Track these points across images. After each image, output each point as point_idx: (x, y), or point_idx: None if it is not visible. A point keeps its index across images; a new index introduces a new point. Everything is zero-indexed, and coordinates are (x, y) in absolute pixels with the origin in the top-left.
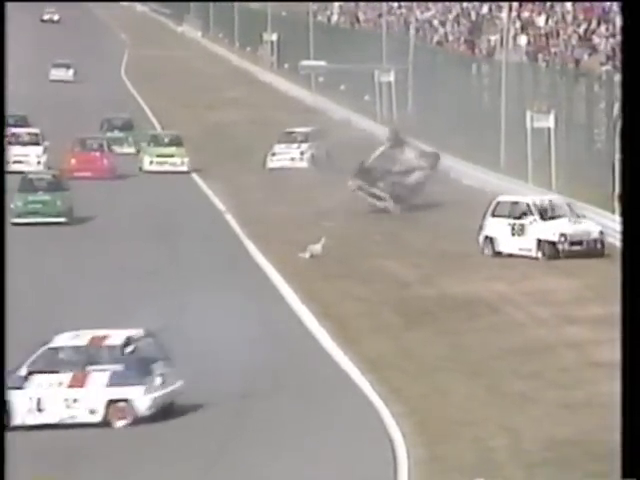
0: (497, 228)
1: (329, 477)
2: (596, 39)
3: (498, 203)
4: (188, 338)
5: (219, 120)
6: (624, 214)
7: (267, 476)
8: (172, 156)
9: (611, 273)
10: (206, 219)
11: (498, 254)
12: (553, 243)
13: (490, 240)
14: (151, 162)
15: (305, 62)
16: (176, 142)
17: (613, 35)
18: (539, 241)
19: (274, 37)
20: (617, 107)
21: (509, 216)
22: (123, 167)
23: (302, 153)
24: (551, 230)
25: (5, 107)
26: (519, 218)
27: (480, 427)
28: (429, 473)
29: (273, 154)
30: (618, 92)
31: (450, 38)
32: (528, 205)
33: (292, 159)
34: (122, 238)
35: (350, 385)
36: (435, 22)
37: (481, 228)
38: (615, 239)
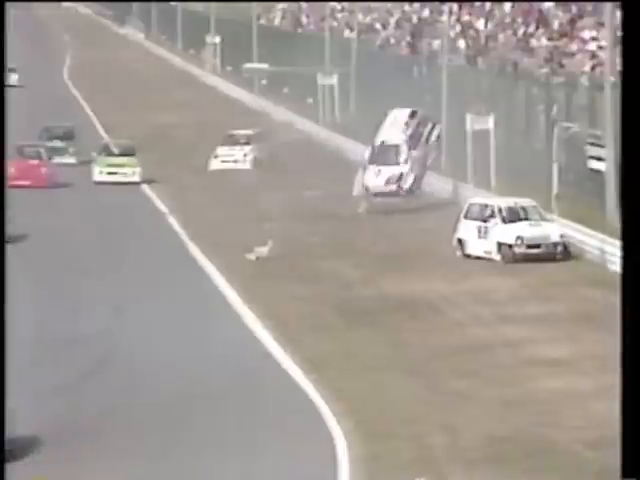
0: (467, 230)
1: (270, 475)
2: (534, 42)
3: (470, 205)
4: (129, 338)
5: (161, 122)
6: (624, 213)
7: (208, 474)
8: (123, 166)
9: (550, 273)
10: (147, 221)
11: (467, 256)
12: (510, 246)
13: (460, 242)
14: (100, 172)
15: (248, 65)
16: (128, 152)
17: (551, 38)
18: (499, 244)
19: (217, 40)
20: (555, 109)
21: (478, 219)
22: (66, 177)
23: (245, 155)
24: (509, 233)
25: (5, 105)
26: (485, 221)
27: (419, 425)
28: (369, 471)
29: (216, 156)
30: (556, 94)
31: (392, 41)
32: (493, 208)
33: (235, 161)
34: (65, 240)
35: (291, 385)
36: (377, 25)
37: (455, 230)
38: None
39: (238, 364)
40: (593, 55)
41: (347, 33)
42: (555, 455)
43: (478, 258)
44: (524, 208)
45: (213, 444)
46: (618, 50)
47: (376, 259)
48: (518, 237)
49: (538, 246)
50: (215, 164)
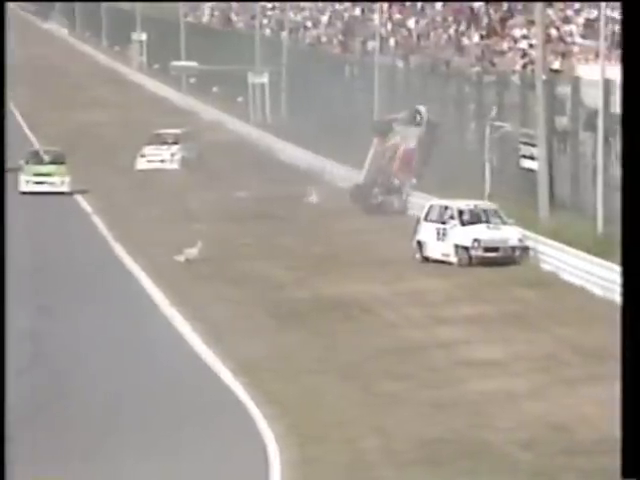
0: (426, 232)
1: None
2: (466, 40)
3: (431, 207)
4: (53, 339)
5: (86, 120)
6: (624, 213)
7: (136, 476)
8: (51, 175)
9: (483, 274)
10: (71, 222)
11: (426, 259)
12: (467, 248)
13: (420, 244)
14: (27, 182)
15: (176, 62)
16: (57, 160)
17: (482, 36)
18: (456, 246)
19: (143, 37)
20: (494, 110)
21: (437, 221)
22: None
23: (173, 155)
24: (466, 235)
25: (5, 106)
26: (444, 223)
27: (352, 428)
28: (301, 475)
29: (143, 155)
30: (488, 93)
31: (323, 40)
32: (452, 210)
33: (162, 161)
34: None
35: (221, 388)
36: (308, 23)
37: (415, 232)
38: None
39: (165, 367)
40: (524, 53)
41: (278, 31)
42: (489, 456)
43: (436, 261)
44: (484, 211)
45: (137, 448)
46: (549, 48)
47: (310, 260)
48: (475, 240)
49: (496, 249)
50: (142, 164)
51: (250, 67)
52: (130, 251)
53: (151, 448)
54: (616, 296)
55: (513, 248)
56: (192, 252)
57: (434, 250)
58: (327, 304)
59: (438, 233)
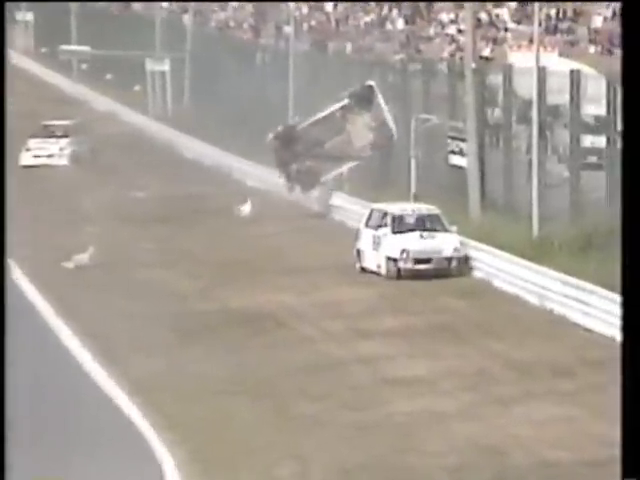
0: (365, 240)
1: None
2: (389, 25)
3: (371, 211)
4: None
5: None
6: (624, 213)
7: None
8: None
9: (408, 282)
10: None
11: (364, 270)
12: (395, 260)
13: (359, 253)
14: None
15: (65, 46)
16: None
17: (407, 21)
18: (386, 258)
19: (29, 17)
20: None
21: (374, 227)
22: None
23: (61, 149)
24: (395, 245)
25: (5, 106)
26: (379, 230)
27: (265, 454)
28: None
29: (28, 150)
30: (413, 83)
31: (232, 24)
32: (388, 215)
33: (50, 155)
34: None
35: (114, 410)
36: (215, 6)
37: (356, 238)
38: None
39: (51, 386)
40: (452, 39)
41: (181, 14)
42: None
43: (373, 272)
44: (423, 216)
45: (17, 476)
46: (479, 34)
47: (218, 268)
48: (403, 250)
49: (428, 261)
50: (26, 159)
51: (149, 53)
52: (9, 255)
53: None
54: (554, 305)
55: (448, 259)
56: (82, 258)
57: (370, 260)
58: (236, 317)
59: (374, 241)
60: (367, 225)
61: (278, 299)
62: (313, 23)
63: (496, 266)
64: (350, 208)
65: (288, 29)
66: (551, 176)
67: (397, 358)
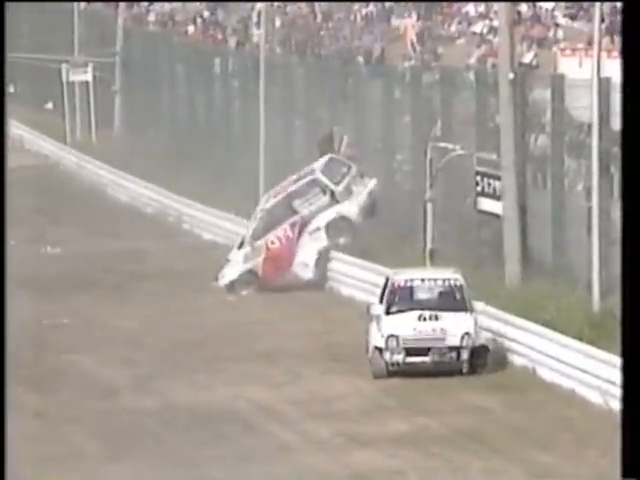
0: (373, 320)
1: None
2: (395, 21)
3: (386, 281)
4: None
5: None
6: (624, 212)
7: None
8: None
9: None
10: None
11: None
12: (381, 350)
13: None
14: None
15: None
16: None
17: (419, 14)
18: (374, 347)
19: None
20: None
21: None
22: None
23: None
24: (384, 329)
25: (5, 105)
26: (377, 307)
27: None
28: None
29: None
30: (430, 98)
31: (179, 18)
32: (385, 287)
33: None
34: None
35: None
36: None
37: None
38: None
39: None
40: (482, 40)
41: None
42: None
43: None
44: (435, 288)
45: None
46: (518, 32)
47: (159, 352)
48: (391, 337)
49: (425, 353)
50: None
51: (65, 58)
52: None
53: None
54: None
55: (456, 349)
56: None
57: (375, 343)
58: (186, 418)
59: (376, 322)
60: (381, 299)
61: (244, 393)
62: (291, 17)
63: (543, 351)
64: (346, 271)
65: (258, 32)
66: (615, 227)
67: (407, 474)
